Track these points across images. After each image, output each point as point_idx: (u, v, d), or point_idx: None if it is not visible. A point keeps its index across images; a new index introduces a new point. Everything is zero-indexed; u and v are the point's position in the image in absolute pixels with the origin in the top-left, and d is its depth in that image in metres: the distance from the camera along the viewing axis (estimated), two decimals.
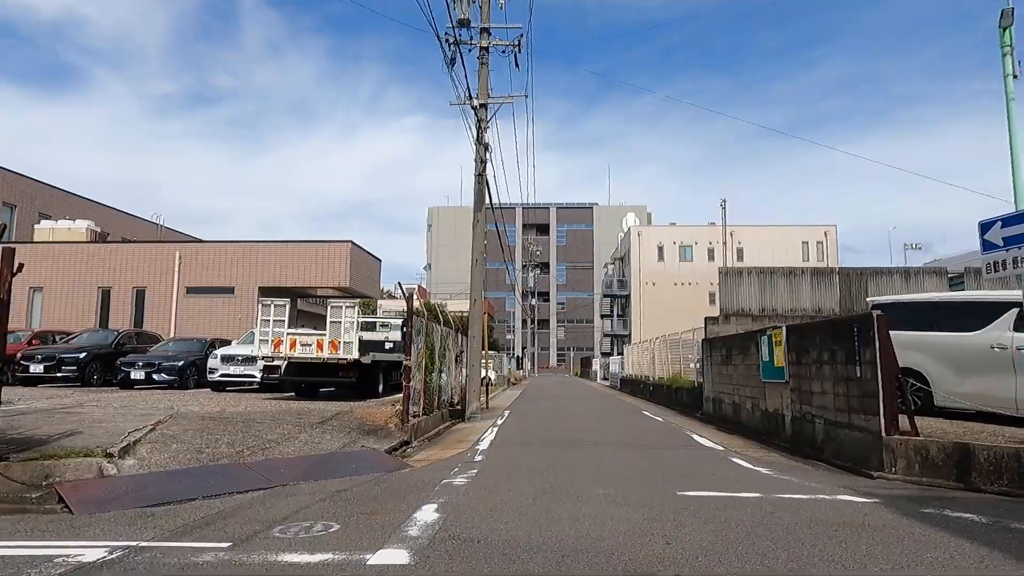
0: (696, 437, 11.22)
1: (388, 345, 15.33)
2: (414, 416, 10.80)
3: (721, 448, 9.73)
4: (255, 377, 15.32)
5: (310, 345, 12.93)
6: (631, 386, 29.22)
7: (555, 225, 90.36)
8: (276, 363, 13.71)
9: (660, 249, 52.78)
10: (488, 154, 15.27)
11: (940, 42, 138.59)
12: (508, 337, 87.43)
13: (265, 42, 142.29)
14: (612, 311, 55.72)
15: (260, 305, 13.91)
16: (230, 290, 22.13)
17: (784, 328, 9.86)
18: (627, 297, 53.89)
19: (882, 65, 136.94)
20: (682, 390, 18.70)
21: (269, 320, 13.05)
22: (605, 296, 57.13)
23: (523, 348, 78.23)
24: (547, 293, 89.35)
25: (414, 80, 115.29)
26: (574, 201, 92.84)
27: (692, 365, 18.74)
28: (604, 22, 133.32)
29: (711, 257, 52.42)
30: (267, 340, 12.95)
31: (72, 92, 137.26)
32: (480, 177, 14.82)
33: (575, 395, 26.98)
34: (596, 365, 48.98)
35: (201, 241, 26.56)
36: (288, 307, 13.65)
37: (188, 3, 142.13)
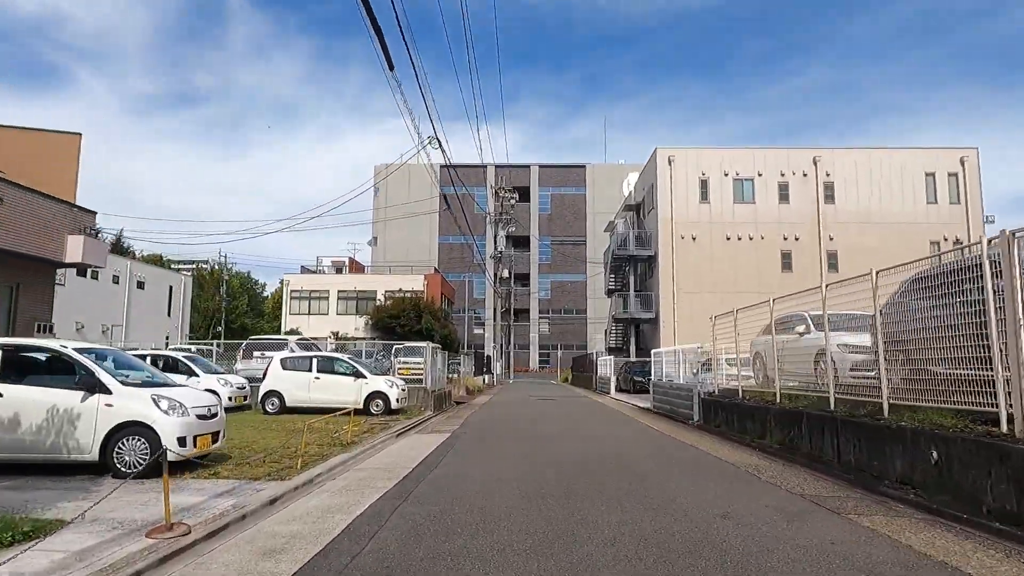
0: None
1: None
2: None
3: None
4: None
5: None
6: (766, 420, 9.60)
7: (537, 188, 70.77)
8: None
9: (704, 184, 33.44)
10: None
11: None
12: (477, 331, 67.88)
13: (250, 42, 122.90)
14: (627, 283, 36.21)
15: None
16: None
17: None
18: (650, 261, 34.52)
19: (861, 73, 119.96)
20: None
21: None
22: (614, 264, 37.52)
23: (498, 347, 58.23)
24: (527, 276, 69.84)
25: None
26: (560, 161, 73.51)
27: None
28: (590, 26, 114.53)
29: (784, 197, 33.25)
30: None
31: (48, 90, 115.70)
32: None
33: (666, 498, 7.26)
34: (605, 368, 29.45)
35: None
36: None
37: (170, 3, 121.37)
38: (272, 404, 14.68)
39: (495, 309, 51.65)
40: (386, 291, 45.38)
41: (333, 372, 15.13)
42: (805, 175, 33.30)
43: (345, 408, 11.51)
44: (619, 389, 26.79)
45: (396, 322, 40.70)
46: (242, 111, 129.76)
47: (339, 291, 46.68)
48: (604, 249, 46.46)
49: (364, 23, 7.73)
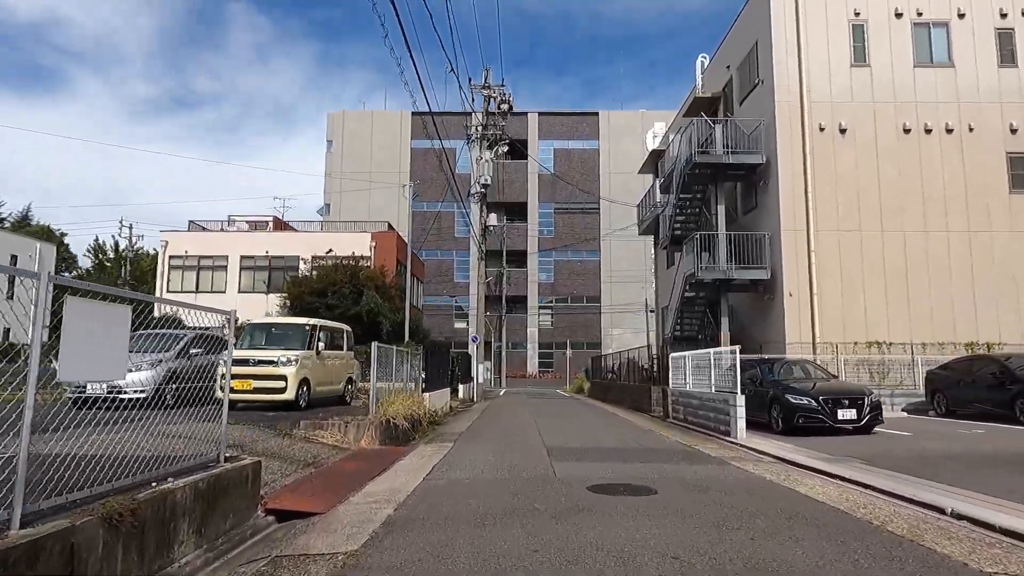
0: None
1: None
2: None
3: None
4: None
5: None
6: None
7: (536, 141, 55.32)
8: None
9: (858, 32, 18.11)
10: None
11: None
12: (459, 326, 52.48)
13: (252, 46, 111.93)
14: (706, 220, 20.60)
15: None
16: None
17: None
18: (752, 178, 19.12)
19: None
20: None
21: None
22: (684, 195, 21.33)
23: (484, 344, 42.01)
24: (523, 254, 54.44)
25: (400, 86, 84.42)
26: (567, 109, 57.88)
27: None
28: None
29: (1007, 56, 17.96)
30: None
31: (46, 94, 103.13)
32: None
33: None
34: (702, 373, 13.72)
35: None
36: None
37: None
38: None
39: (479, 293, 35.54)
40: (312, 256, 29.95)
41: None
42: None
43: None
44: (748, 425, 11.32)
45: (322, 301, 25.36)
46: (242, 114, 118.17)
47: (242, 256, 31.01)
48: (639, 201, 30.94)
49: None
